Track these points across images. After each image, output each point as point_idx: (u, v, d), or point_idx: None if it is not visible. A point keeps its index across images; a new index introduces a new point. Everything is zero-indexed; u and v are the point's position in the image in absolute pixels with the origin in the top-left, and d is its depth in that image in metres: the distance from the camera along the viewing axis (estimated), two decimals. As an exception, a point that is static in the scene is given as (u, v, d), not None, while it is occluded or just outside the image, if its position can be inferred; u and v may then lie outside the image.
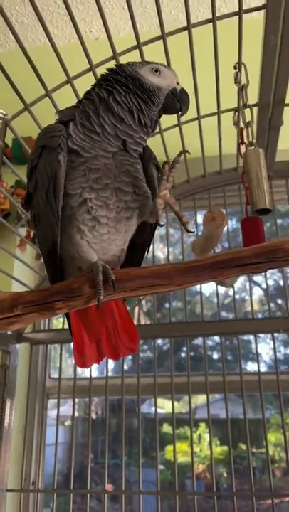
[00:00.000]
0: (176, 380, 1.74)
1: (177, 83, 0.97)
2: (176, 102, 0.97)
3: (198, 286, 1.80)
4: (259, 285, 2.48)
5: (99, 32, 2.33)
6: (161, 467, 2.27)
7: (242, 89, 1.25)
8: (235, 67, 1.28)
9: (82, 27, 2.28)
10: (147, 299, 2.30)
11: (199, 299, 1.81)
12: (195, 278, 0.85)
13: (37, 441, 1.93)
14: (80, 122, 0.92)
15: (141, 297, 0.96)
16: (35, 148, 0.94)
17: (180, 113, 1.01)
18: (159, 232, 2.44)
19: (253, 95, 1.40)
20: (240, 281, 2.51)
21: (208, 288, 2.33)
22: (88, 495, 1.63)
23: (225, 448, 2.18)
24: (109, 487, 2.09)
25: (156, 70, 0.95)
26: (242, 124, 1.41)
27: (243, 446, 2.14)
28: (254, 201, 1.11)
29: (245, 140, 1.31)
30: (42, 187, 0.90)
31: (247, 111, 1.36)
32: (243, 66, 1.28)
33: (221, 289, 2.36)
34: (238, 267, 0.84)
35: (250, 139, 1.20)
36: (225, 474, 2.31)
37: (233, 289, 1.78)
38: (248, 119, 1.27)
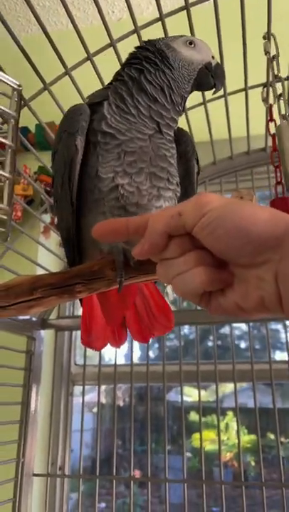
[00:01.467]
0: (203, 368, 1.70)
1: (212, 57, 0.91)
2: (211, 77, 0.92)
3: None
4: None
5: (121, 12, 2.27)
6: (188, 455, 2.25)
7: (272, 60, 1.17)
8: (264, 37, 1.21)
9: (105, 8, 2.22)
10: (171, 288, 2.26)
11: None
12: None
13: (63, 427, 1.94)
14: (114, 103, 0.88)
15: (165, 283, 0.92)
16: (58, 133, 0.91)
17: (214, 89, 0.95)
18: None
19: (283, 71, 1.32)
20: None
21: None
22: (114, 481, 1.62)
23: (253, 437, 2.15)
24: (137, 473, 2.08)
25: (191, 43, 0.90)
26: (271, 101, 1.34)
27: (272, 436, 2.09)
28: (287, 178, 1.05)
29: (276, 116, 1.24)
30: (59, 172, 0.88)
31: (278, 86, 1.29)
32: (272, 37, 1.20)
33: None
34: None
35: (283, 113, 1.13)
36: (253, 463, 2.28)
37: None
38: (279, 92, 1.19)
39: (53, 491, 1.84)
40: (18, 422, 1.65)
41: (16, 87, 0.74)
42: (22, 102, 1.15)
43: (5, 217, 0.75)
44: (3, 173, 0.72)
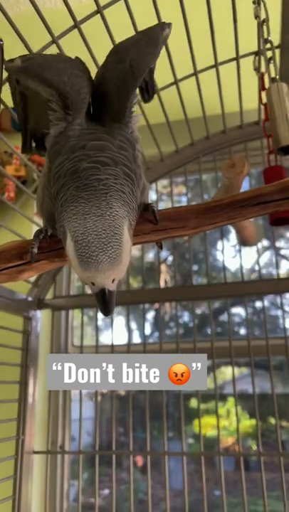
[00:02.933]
0: (200, 346, 1.70)
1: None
2: None
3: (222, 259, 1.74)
4: (287, 258, 2.40)
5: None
6: (190, 441, 2.27)
7: (262, 25, 1.15)
8: (254, 2, 1.19)
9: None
10: (170, 276, 2.26)
11: (223, 273, 1.73)
12: (212, 219, 0.80)
13: (62, 407, 1.95)
14: None
15: (161, 249, 0.91)
16: None
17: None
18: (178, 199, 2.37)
19: (274, 36, 1.31)
20: (267, 255, 2.43)
21: (234, 263, 2.25)
22: (114, 458, 1.63)
23: (254, 422, 2.17)
24: (139, 459, 2.10)
25: None
26: (263, 69, 1.32)
27: (273, 420, 2.10)
28: (278, 138, 1.04)
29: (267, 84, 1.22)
30: None
31: (268, 53, 1.27)
32: (262, 2, 1.18)
33: (247, 265, 2.28)
34: (258, 205, 0.78)
35: (274, 76, 1.12)
36: (254, 447, 2.29)
37: (259, 265, 1.70)
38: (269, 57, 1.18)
39: (53, 471, 1.85)
40: (16, 400, 1.66)
41: (-2, 41, 0.73)
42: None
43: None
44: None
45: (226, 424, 2.34)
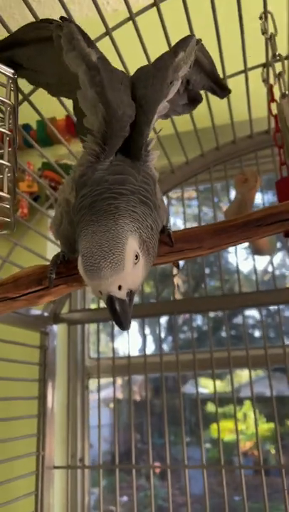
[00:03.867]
0: (217, 356, 1.70)
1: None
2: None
3: (237, 264, 1.74)
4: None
5: (117, 3, 2.25)
6: (208, 446, 2.25)
7: (270, 39, 1.15)
8: (260, 18, 1.19)
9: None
10: (183, 280, 2.26)
11: (237, 277, 1.74)
12: (228, 239, 0.80)
13: (81, 420, 1.95)
14: None
15: (174, 272, 0.92)
16: None
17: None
18: (192, 211, 2.37)
19: (283, 48, 1.31)
20: (280, 256, 2.42)
21: (246, 265, 2.24)
22: (134, 471, 1.63)
23: (272, 425, 2.14)
24: (157, 465, 2.09)
25: None
26: (272, 81, 1.32)
27: (291, 423, 2.08)
28: None
29: (277, 96, 1.22)
30: None
31: (277, 65, 1.27)
32: (269, 15, 1.18)
33: (259, 265, 2.27)
34: (274, 224, 0.78)
35: (283, 91, 1.12)
36: (273, 451, 2.27)
37: (272, 265, 1.70)
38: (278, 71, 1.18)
39: (74, 484, 1.86)
40: (35, 416, 1.67)
41: (10, 75, 0.74)
42: (22, 97, 1.16)
43: (7, 205, 0.75)
44: (2, 161, 0.72)
45: (243, 428, 2.32)
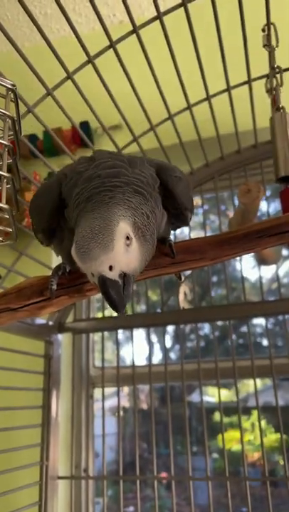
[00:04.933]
0: (222, 365, 1.69)
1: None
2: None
3: (244, 273, 1.73)
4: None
5: (123, 15, 2.28)
6: (215, 456, 2.23)
7: (273, 52, 1.16)
8: (263, 30, 1.20)
9: (105, 11, 2.24)
10: (190, 288, 2.26)
11: (242, 285, 1.73)
12: (230, 251, 0.80)
13: (85, 430, 1.95)
14: None
15: (180, 280, 0.92)
16: None
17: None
18: (198, 218, 2.37)
19: (285, 60, 1.31)
20: (288, 265, 2.41)
21: (253, 274, 2.24)
22: (138, 482, 1.62)
23: (279, 436, 2.12)
24: (163, 475, 2.07)
25: None
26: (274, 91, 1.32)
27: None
28: (278, 168, 1.03)
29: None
30: None
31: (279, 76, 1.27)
32: (272, 26, 1.19)
33: (266, 274, 2.27)
34: (276, 236, 0.78)
35: (278, 104, 1.12)
36: (281, 462, 2.25)
37: (278, 275, 1.69)
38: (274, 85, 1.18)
39: (78, 494, 1.84)
40: (39, 425, 1.67)
41: (10, 87, 0.75)
42: (26, 108, 1.18)
43: (6, 216, 0.76)
44: (1, 172, 0.73)
45: (251, 438, 2.30)
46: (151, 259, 0.80)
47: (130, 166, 0.82)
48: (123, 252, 0.69)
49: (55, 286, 0.79)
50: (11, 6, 2.30)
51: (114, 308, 0.68)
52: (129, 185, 0.77)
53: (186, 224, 0.93)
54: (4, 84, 0.75)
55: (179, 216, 0.90)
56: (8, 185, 0.75)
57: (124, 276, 0.70)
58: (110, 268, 0.67)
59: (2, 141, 0.74)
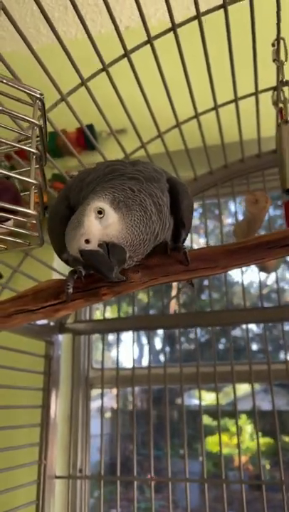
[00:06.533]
0: (219, 369, 1.72)
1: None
2: None
3: (236, 277, 1.77)
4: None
5: (129, 20, 2.31)
6: (201, 459, 2.25)
7: (282, 66, 1.20)
8: (273, 45, 1.23)
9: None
10: (183, 291, 2.28)
11: (237, 289, 1.77)
12: (241, 260, 0.83)
13: (82, 430, 1.96)
14: None
15: (180, 285, 0.95)
16: None
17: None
18: (194, 223, 2.40)
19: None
20: (280, 270, 2.45)
21: (246, 277, 2.27)
22: (135, 483, 1.64)
23: (267, 440, 2.15)
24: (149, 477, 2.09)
25: None
26: (281, 104, 1.36)
27: (287, 439, 2.08)
28: (285, 180, 1.07)
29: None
30: None
31: (286, 89, 1.31)
32: (282, 40, 1.22)
33: (262, 277, 2.31)
34: (285, 247, 0.81)
35: (287, 118, 1.16)
36: (268, 466, 2.28)
37: (277, 277, 1.73)
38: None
39: (74, 494, 1.86)
40: (38, 425, 1.68)
41: (38, 96, 0.78)
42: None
43: (34, 221, 0.78)
44: (29, 179, 0.75)
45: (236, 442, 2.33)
46: (163, 267, 0.83)
47: (133, 166, 0.86)
48: (96, 224, 0.73)
49: (71, 290, 0.81)
50: (19, 7, 2.33)
51: (102, 274, 0.73)
52: (123, 176, 0.82)
53: (179, 241, 0.93)
54: (32, 93, 0.77)
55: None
56: (36, 191, 0.77)
57: (107, 245, 0.74)
58: (87, 241, 0.72)
59: (30, 149, 0.76)
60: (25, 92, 0.79)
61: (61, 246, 0.83)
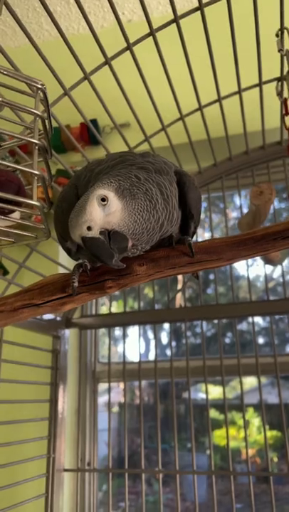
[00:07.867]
0: (226, 363, 1.72)
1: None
2: None
3: (242, 270, 1.77)
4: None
5: (131, 13, 2.29)
6: (208, 452, 2.27)
7: (285, 56, 1.18)
8: (277, 35, 1.22)
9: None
10: (189, 285, 2.28)
11: (242, 283, 1.76)
12: (246, 251, 0.83)
13: (90, 424, 1.98)
14: None
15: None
16: None
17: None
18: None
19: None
20: (285, 262, 2.45)
21: (252, 271, 2.27)
22: (143, 476, 1.65)
23: (274, 433, 2.16)
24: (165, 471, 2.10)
25: None
26: (286, 94, 1.35)
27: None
28: None
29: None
30: None
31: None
32: (286, 30, 1.21)
33: (267, 270, 2.30)
34: (292, 238, 0.80)
35: None
36: (275, 459, 2.28)
37: (283, 270, 1.72)
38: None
39: (82, 487, 1.88)
40: (47, 419, 1.70)
41: (39, 86, 0.77)
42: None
43: (38, 213, 0.78)
44: (31, 170, 0.75)
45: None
46: (168, 259, 0.83)
47: (143, 157, 0.86)
48: (98, 212, 0.73)
49: (76, 284, 0.82)
50: (20, 3, 2.32)
51: (102, 261, 0.74)
52: (132, 166, 0.82)
53: (187, 234, 0.93)
54: (34, 83, 0.77)
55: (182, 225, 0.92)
56: (39, 184, 0.77)
57: (108, 232, 0.74)
58: (89, 228, 0.73)
59: (33, 140, 0.76)
60: (26, 82, 0.79)
61: (65, 233, 0.83)
